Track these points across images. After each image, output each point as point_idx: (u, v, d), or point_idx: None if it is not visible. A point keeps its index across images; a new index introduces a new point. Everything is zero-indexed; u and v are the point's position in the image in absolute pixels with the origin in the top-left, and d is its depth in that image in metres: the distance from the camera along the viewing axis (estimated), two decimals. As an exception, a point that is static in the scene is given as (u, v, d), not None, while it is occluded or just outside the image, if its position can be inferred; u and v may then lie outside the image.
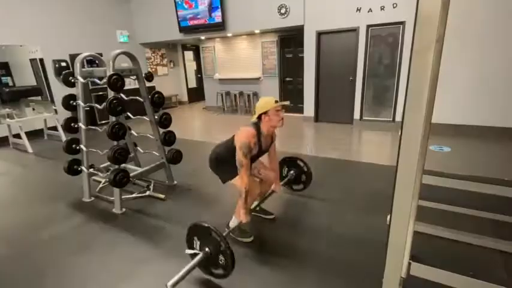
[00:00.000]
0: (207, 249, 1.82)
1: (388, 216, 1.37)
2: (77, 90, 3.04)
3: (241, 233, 2.37)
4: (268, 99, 2.10)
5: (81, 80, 2.99)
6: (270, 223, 2.63)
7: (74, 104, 3.08)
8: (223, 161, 2.21)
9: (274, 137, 2.39)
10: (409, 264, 1.42)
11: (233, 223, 2.37)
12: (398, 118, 5.60)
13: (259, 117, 2.13)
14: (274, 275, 1.99)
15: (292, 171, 3.01)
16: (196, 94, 10.60)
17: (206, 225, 1.82)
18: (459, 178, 2.18)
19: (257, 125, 2.14)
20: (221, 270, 1.82)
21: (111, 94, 2.73)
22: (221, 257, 1.77)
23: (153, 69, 9.17)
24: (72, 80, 3.03)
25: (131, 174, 2.93)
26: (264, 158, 2.47)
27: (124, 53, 2.94)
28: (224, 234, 1.84)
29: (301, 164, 2.96)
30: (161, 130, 3.36)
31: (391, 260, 1.39)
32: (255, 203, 2.72)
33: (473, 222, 2.35)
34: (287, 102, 2.19)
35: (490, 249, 2.04)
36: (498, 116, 4.73)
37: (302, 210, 2.84)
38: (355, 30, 5.60)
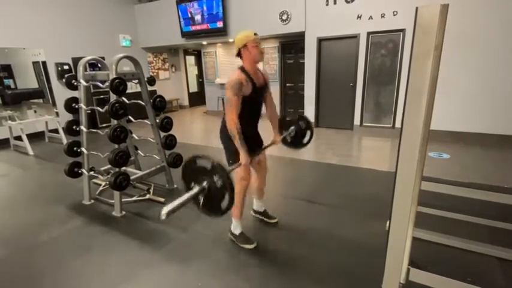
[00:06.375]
0: (204, 182, 1.64)
1: (388, 222, 1.38)
2: (80, 93, 3.05)
3: (244, 239, 2.34)
4: (246, 32, 2.02)
5: (84, 83, 3.01)
6: (269, 227, 2.63)
7: (76, 107, 3.10)
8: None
9: (267, 79, 2.26)
10: (408, 269, 1.43)
11: (234, 227, 2.38)
12: (398, 124, 5.61)
13: (239, 54, 2.06)
14: (272, 280, 1.99)
15: (292, 127, 2.71)
16: (197, 98, 10.64)
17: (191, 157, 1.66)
18: (458, 185, 2.19)
19: (242, 68, 2.06)
20: (227, 198, 1.62)
21: (112, 97, 2.75)
22: (217, 178, 1.61)
23: (155, 74, 9.22)
24: (75, 83, 3.05)
25: (131, 178, 2.94)
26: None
27: (127, 57, 2.97)
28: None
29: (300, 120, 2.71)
30: (162, 134, 3.37)
31: (390, 266, 1.40)
32: (260, 205, 2.72)
33: (472, 228, 2.35)
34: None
35: (488, 256, 2.04)
36: (498, 124, 4.75)
37: (301, 215, 2.84)
38: (355, 37, 5.64)
